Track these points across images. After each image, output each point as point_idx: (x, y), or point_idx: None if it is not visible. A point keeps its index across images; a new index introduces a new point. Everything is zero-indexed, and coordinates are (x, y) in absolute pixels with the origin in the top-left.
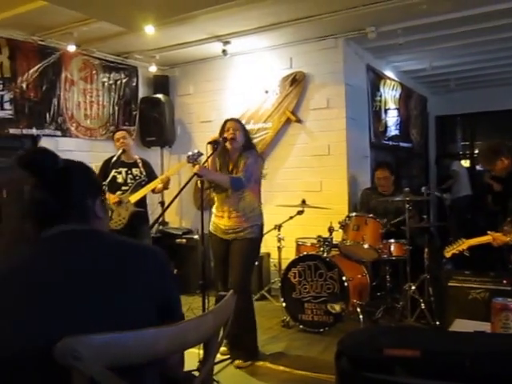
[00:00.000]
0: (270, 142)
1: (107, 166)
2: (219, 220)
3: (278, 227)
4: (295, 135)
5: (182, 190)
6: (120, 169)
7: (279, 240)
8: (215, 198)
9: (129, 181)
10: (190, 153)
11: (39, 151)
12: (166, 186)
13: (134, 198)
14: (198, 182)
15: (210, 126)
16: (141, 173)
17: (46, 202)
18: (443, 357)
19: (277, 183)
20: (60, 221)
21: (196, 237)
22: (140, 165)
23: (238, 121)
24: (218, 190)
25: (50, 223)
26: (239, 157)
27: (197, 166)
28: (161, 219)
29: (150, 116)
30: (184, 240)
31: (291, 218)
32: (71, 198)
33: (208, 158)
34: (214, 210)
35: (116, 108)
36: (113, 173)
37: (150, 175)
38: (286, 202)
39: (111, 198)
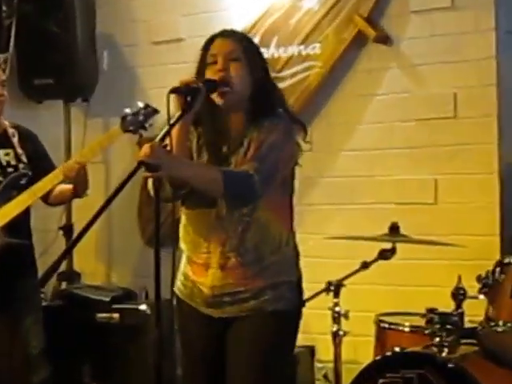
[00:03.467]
0: (317, 88)
1: None
2: (199, 272)
3: (335, 288)
4: (376, 72)
5: (111, 199)
6: None
7: (336, 317)
8: (184, 220)
9: None
10: (127, 110)
11: None
12: (77, 188)
13: (5, 214)
14: (149, 182)
15: (178, 52)
16: (17, 158)
17: None
18: None
19: (331, 185)
20: None
21: (143, 307)
22: (15, 140)
23: (239, 38)
24: (193, 201)
25: None
26: (248, 126)
27: (145, 147)
28: (63, 265)
29: (39, 29)
30: (116, 315)
31: (365, 266)
32: None
33: (171, 126)
34: (183, 246)
35: None
36: None
37: (39, 161)
38: (351, 229)
39: None
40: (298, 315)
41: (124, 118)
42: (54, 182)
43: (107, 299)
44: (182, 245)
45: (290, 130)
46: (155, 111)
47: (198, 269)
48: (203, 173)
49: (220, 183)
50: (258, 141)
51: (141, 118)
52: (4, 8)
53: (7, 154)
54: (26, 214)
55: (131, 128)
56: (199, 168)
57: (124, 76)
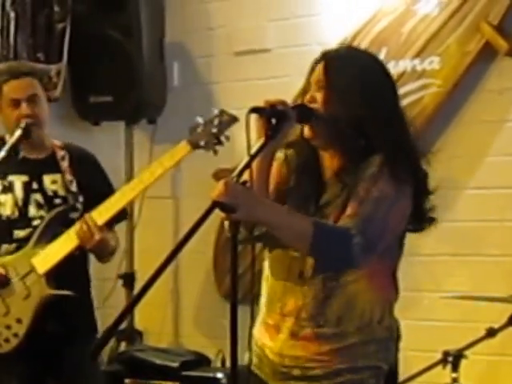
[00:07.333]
0: (435, 112)
1: None
2: (269, 334)
3: (454, 360)
4: (508, 93)
5: (181, 245)
6: (12, 176)
7: None
8: (266, 268)
9: (32, 211)
10: (199, 119)
11: None
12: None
13: (48, 258)
14: (225, 225)
15: (263, 65)
16: (65, 186)
17: None
18: None
19: (450, 232)
20: None
21: (219, 376)
22: (65, 164)
23: (341, 60)
24: (273, 243)
25: None
26: (347, 170)
27: (219, 183)
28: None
29: (97, 35)
30: None
31: (492, 333)
32: None
33: (252, 158)
34: (262, 302)
35: (11, 15)
36: None
37: (95, 190)
38: (475, 286)
39: None
40: None
41: (193, 129)
42: (110, 211)
43: (175, 365)
44: (262, 299)
45: (404, 181)
46: (233, 119)
47: (269, 330)
48: (290, 222)
49: (307, 239)
50: (362, 190)
51: (214, 129)
52: (56, 9)
53: (54, 182)
54: (81, 257)
55: (202, 143)
56: (285, 215)
57: (198, 93)
